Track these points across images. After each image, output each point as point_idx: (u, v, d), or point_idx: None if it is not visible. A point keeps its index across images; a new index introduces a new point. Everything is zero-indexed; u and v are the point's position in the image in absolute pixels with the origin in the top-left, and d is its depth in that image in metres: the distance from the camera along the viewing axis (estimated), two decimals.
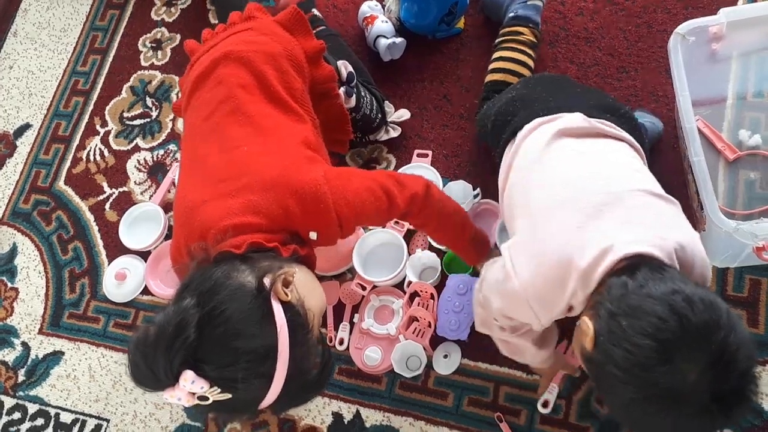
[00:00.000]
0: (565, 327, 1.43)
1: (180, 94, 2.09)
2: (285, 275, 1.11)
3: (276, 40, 1.48)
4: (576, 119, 1.29)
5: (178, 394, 0.99)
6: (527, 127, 1.34)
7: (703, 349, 0.89)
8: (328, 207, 1.23)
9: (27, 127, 2.26)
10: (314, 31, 1.79)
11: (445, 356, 1.60)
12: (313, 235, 1.26)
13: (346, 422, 1.62)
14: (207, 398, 1.00)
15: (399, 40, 1.89)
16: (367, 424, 1.61)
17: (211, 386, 0.99)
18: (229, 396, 1.01)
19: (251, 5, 1.59)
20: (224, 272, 1.09)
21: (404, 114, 1.85)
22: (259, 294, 1.08)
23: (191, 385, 0.98)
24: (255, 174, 1.25)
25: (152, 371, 0.99)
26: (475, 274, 1.63)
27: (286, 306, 1.09)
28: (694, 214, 1.53)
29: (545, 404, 1.51)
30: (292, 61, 1.47)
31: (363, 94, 1.73)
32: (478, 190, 1.71)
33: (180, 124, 2.08)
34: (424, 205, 1.37)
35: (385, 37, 1.89)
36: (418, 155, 1.81)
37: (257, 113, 1.36)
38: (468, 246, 1.53)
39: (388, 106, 1.85)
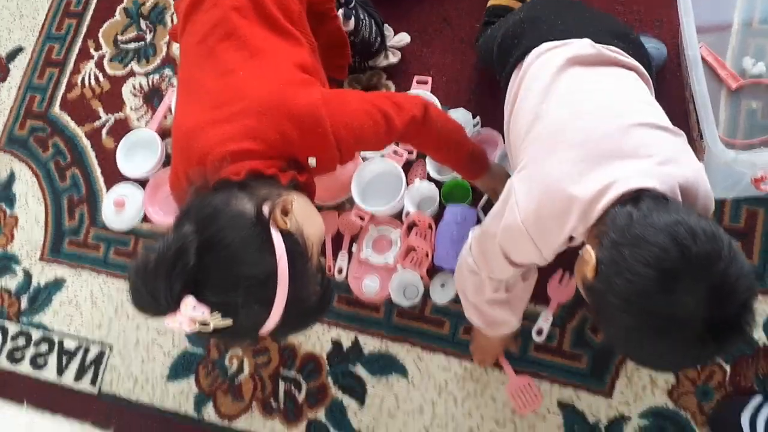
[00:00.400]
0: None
1: (175, 18, 2.06)
2: (283, 203, 1.11)
3: None
4: (586, 46, 1.27)
5: (179, 319, 0.99)
6: (535, 52, 1.31)
7: (704, 279, 0.90)
8: (326, 131, 1.21)
9: (19, 50, 2.21)
10: None
11: (442, 285, 1.62)
12: (312, 161, 1.25)
13: (344, 349, 1.65)
14: (208, 324, 1.01)
15: None
16: (365, 351, 1.64)
17: (212, 312, 1.00)
18: (230, 322, 1.02)
19: None
20: (223, 199, 1.10)
21: (404, 38, 1.81)
22: (258, 221, 1.08)
23: (192, 311, 0.98)
24: (251, 98, 1.23)
25: (153, 297, 1.00)
26: (474, 204, 1.63)
27: (285, 234, 1.09)
28: (694, 142, 1.52)
29: (539, 332, 1.54)
30: None
31: (362, 16, 1.69)
32: (478, 118, 1.69)
33: (175, 48, 2.04)
34: (422, 126, 1.36)
35: None
36: (418, 82, 1.79)
37: (252, 36, 1.33)
38: (466, 162, 1.52)
39: (388, 30, 1.81)
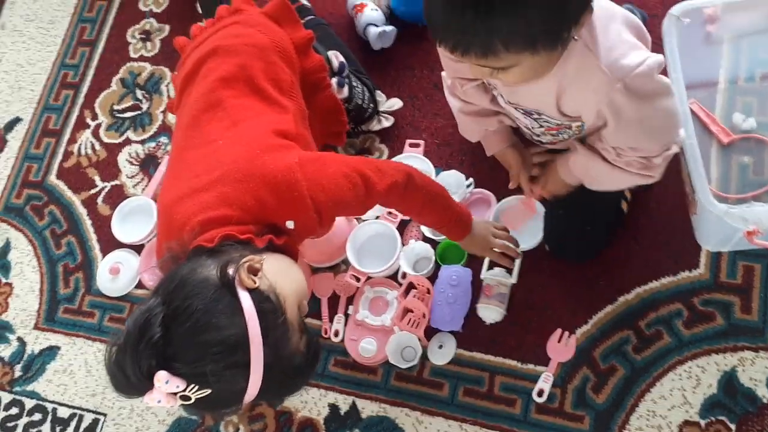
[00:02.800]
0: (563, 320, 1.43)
1: (171, 88, 2.10)
2: (250, 263, 1.10)
3: (263, 31, 1.47)
4: None
5: (156, 396, 0.99)
6: None
7: None
8: (302, 194, 1.21)
9: (17, 121, 2.25)
10: (302, 21, 1.77)
11: (440, 346, 1.60)
12: (289, 224, 1.24)
13: (342, 413, 1.62)
14: (189, 398, 1.00)
15: (389, 28, 1.87)
16: (363, 415, 1.61)
17: (188, 385, 0.99)
18: (209, 391, 1.01)
19: None
20: (190, 268, 1.10)
21: (396, 103, 1.84)
22: (223, 284, 1.07)
23: (166, 386, 0.97)
24: (228, 166, 1.24)
25: (125, 376, 1.00)
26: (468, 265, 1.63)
27: (254, 293, 1.08)
28: (686, 197, 1.53)
29: (540, 393, 1.52)
30: (280, 52, 1.46)
31: (355, 84, 1.72)
32: (471, 179, 1.70)
33: (170, 115, 2.07)
34: (405, 191, 1.36)
35: (375, 25, 1.87)
36: (410, 145, 1.81)
37: (234, 106, 1.35)
38: (451, 225, 1.51)
39: (380, 96, 1.84)
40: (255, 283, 1.08)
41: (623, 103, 1.18)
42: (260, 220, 1.21)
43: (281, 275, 1.15)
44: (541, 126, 1.40)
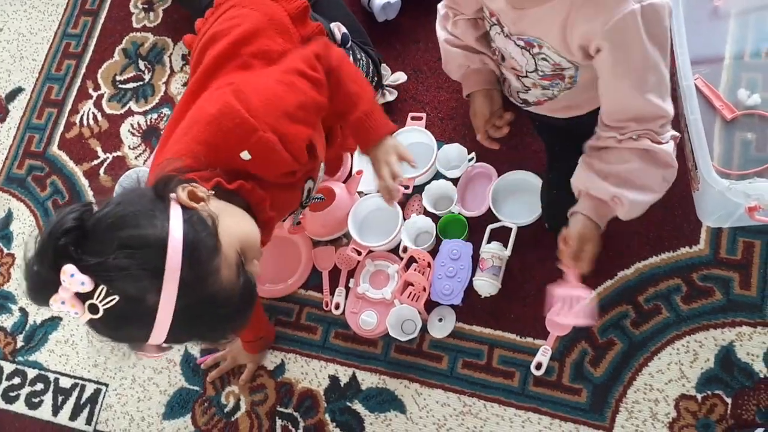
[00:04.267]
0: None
1: (174, 58, 2.09)
2: (192, 188, 1.07)
3: (256, 8, 1.47)
4: None
5: (62, 295, 0.93)
6: None
7: None
8: (244, 117, 1.19)
9: (19, 90, 2.24)
10: None
11: (440, 320, 1.61)
12: (244, 155, 1.21)
13: (342, 384, 1.64)
14: (97, 309, 0.94)
15: (394, 0, 1.86)
16: (363, 387, 1.62)
17: (95, 285, 0.93)
18: (117, 298, 0.94)
19: None
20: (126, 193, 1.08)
21: (400, 77, 1.83)
22: (156, 196, 1.04)
23: (71, 280, 0.92)
24: (179, 128, 1.27)
25: (35, 273, 0.95)
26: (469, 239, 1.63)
27: (188, 211, 1.04)
28: (689, 173, 1.52)
29: (538, 366, 1.53)
30: (273, 24, 1.46)
31: (359, 56, 1.71)
32: (473, 153, 1.70)
33: (173, 87, 2.06)
34: (327, 54, 1.39)
35: None
36: (412, 118, 1.80)
37: (215, 86, 1.34)
38: (370, 124, 1.45)
39: (385, 69, 1.83)
40: (191, 204, 1.05)
41: (633, 32, 1.15)
42: (214, 164, 1.20)
43: (226, 214, 1.11)
44: (537, 68, 1.38)
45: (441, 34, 1.60)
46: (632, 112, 1.25)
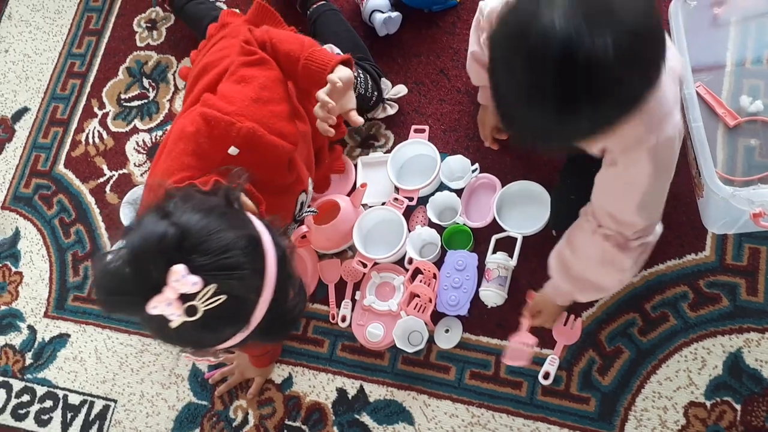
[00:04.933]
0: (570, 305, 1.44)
1: (177, 78, 2.11)
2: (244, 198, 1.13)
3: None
4: None
5: (168, 296, 0.91)
6: None
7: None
8: (218, 117, 1.27)
9: (25, 110, 2.26)
10: (315, 6, 1.83)
11: (447, 331, 1.61)
12: (232, 151, 1.28)
13: (350, 397, 1.64)
14: (195, 310, 0.93)
15: (395, 14, 1.87)
16: (371, 399, 1.62)
17: (204, 284, 0.93)
18: (223, 298, 0.94)
19: (224, 12, 1.67)
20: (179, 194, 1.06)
21: (401, 90, 1.84)
22: (227, 203, 1.06)
23: (183, 280, 0.91)
24: (165, 149, 1.33)
25: (143, 273, 0.92)
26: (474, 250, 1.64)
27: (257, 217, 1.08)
28: (692, 180, 1.53)
29: (546, 376, 1.52)
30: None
31: (357, 73, 1.72)
32: (477, 165, 1.71)
33: (177, 104, 2.08)
34: (253, 34, 1.43)
35: (380, 11, 1.87)
36: (415, 131, 1.81)
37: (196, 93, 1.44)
38: (306, 65, 1.43)
39: (385, 83, 1.84)
40: (254, 209, 1.09)
41: (645, 161, 1.12)
42: (208, 170, 1.25)
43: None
44: None
45: (472, 41, 1.59)
46: (619, 217, 1.22)
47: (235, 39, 1.51)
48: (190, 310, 0.93)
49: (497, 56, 0.95)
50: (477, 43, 1.57)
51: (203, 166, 1.26)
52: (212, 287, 0.93)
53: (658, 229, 1.31)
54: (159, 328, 0.96)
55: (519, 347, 1.51)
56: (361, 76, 1.73)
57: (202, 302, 0.93)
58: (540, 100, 0.90)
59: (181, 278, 0.91)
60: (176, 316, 0.93)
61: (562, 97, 0.88)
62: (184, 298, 0.92)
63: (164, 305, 0.92)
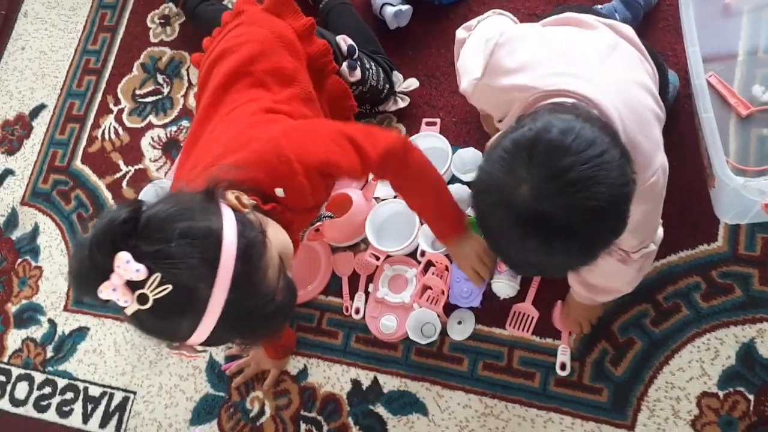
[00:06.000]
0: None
1: (192, 71, 2.12)
2: (239, 194, 1.10)
3: (263, 26, 1.51)
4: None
5: (114, 282, 0.91)
6: None
7: (542, 166, 0.92)
8: (289, 159, 1.22)
9: (42, 107, 2.29)
10: (326, 0, 1.81)
11: (459, 322, 1.62)
12: (279, 192, 1.24)
13: (364, 388, 1.66)
14: (146, 299, 0.93)
15: (405, 7, 1.87)
16: (385, 390, 1.64)
17: (149, 273, 0.92)
18: (169, 288, 0.93)
19: (240, 0, 1.63)
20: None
21: (413, 83, 1.84)
22: (206, 197, 1.05)
23: (126, 266, 0.91)
24: (218, 148, 1.28)
25: (89, 261, 0.93)
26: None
27: (237, 213, 1.05)
28: (705, 170, 1.52)
29: (563, 366, 1.53)
30: (281, 41, 1.49)
31: (368, 65, 1.73)
32: None
33: (191, 99, 2.10)
34: (401, 159, 1.36)
35: (391, 4, 1.88)
36: (427, 123, 1.82)
37: (234, 99, 1.40)
38: (445, 221, 1.52)
39: (396, 77, 1.85)
40: (241, 208, 1.07)
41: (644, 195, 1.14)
42: (250, 189, 1.21)
43: (268, 224, 1.14)
44: None
45: (470, 68, 1.55)
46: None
47: (253, 26, 1.51)
48: (142, 299, 0.93)
49: (484, 213, 1.01)
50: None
51: (248, 182, 1.20)
52: (157, 276, 0.93)
53: (659, 233, 1.32)
54: (126, 318, 0.97)
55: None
56: (373, 68, 1.74)
57: (150, 291, 0.93)
58: (529, 250, 0.97)
59: (124, 264, 0.91)
60: (126, 303, 0.93)
61: (547, 249, 0.95)
62: (134, 286, 0.92)
63: (110, 290, 0.92)
